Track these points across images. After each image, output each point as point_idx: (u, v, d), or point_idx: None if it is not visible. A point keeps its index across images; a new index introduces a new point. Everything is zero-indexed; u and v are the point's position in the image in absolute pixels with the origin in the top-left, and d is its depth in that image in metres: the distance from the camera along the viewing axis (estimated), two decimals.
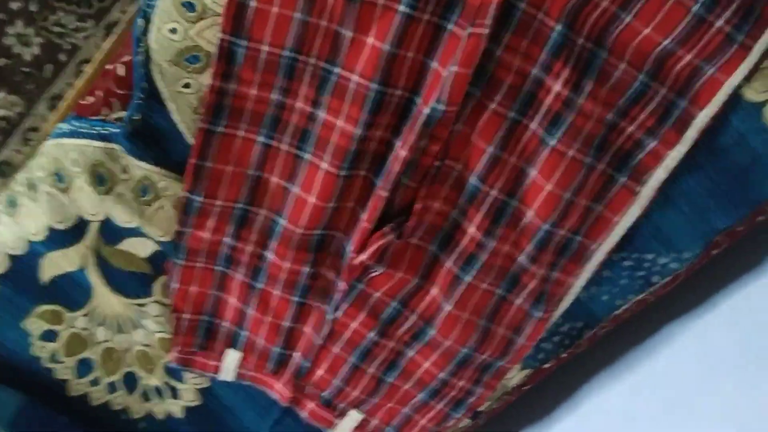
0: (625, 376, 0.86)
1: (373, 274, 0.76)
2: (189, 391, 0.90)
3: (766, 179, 0.72)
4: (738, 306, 0.78)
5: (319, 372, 0.84)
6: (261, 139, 0.74)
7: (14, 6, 1.19)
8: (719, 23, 0.65)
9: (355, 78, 0.69)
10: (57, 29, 1.20)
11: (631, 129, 0.70)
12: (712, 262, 0.78)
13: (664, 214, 0.74)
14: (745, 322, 0.77)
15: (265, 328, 0.82)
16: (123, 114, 0.76)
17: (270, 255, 0.78)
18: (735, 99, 0.68)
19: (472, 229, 0.74)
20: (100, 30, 1.24)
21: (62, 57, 1.23)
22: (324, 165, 0.73)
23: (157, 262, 0.82)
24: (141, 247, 0.81)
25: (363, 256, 0.75)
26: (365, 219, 0.74)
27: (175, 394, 0.90)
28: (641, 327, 0.85)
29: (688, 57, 0.67)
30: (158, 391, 0.90)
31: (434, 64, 0.69)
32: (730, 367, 0.74)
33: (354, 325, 0.80)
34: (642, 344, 0.85)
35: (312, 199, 0.74)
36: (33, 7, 1.18)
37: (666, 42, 0.66)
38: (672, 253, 0.76)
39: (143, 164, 0.76)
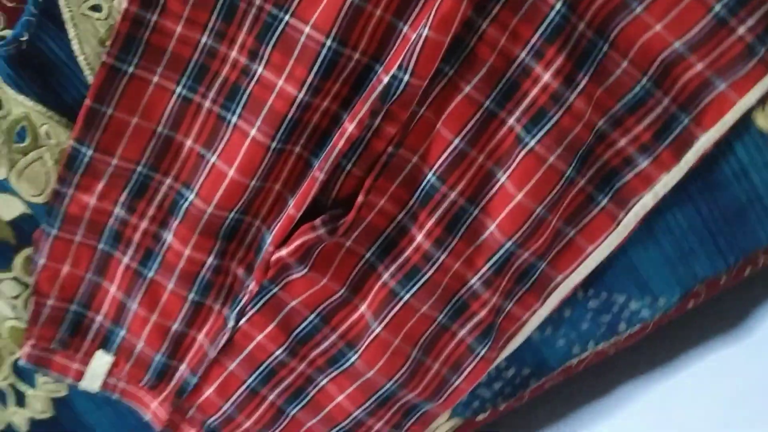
0: None
1: (292, 277, 0.62)
2: (40, 399, 0.72)
3: (762, 224, 0.62)
4: (712, 369, 0.68)
5: (208, 392, 0.68)
6: (180, 90, 0.60)
7: None
8: (741, 30, 0.56)
9: (307, 30, 0.56)
10: None
11: (623, 142, 0.60)
12: (687, 315, 0.67)
13: (644, 250, 0.63)
14: (717, 388, 0.66)
15: (148, 328, 0.66)
16: (7, 33, 0.60)
17: (169, 237, 0.63)
18: (744, 125, 0.59)
19: (420, 237, 0.61)
20: None
21: None
22: (253, 132, 0.59)
23: (24, 229, 0.65)
24: (5, 207, 0.64)
25: (283, 252, 0.61)
26: (293, 205, 0.60)
27: (21, 401, 0.72)
28: (595, 383, 0.73)
29: (699, 66, 0.57)
30: (1, 396, 0.71)
31: (405, 28, 0.57)
32: None
33: (259, 337, 0.65)
34: (592, 405, 0.73)
35: (232, 173, 0.60)
36: None
37: (677, 44, 0.56)
38: (647, 297, 0.65)
39: (23, 99, 0.60)
